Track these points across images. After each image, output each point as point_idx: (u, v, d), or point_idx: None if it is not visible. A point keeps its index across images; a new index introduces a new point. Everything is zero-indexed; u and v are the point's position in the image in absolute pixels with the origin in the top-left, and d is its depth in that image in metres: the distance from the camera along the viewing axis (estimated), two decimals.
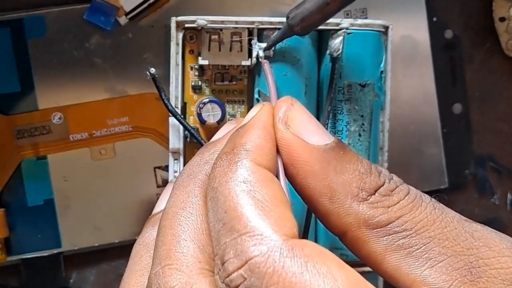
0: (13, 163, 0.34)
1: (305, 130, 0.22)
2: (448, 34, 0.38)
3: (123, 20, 0.34)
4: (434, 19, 0.37)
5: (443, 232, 0.20)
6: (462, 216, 0.22)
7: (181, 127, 0.31)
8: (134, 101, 0.34)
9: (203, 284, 0.19)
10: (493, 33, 0.38)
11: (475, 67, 0.38)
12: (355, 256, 0.22)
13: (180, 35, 0.31)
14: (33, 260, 0.35)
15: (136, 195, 0.35)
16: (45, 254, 0.35)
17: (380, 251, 0.21)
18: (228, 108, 0.32)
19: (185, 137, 0.32)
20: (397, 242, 0.21)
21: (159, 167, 0.35)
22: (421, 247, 0.20)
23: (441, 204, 0.22)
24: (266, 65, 0.28)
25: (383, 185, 0.21)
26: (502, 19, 0.38)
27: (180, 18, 0.31)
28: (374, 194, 0.21)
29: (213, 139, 0.26)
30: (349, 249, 0.22)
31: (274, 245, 0.17)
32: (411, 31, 0.37)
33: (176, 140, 0.32)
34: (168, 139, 0.32)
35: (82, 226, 0.35)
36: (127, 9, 0.33)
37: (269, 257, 0.17)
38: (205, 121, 0.31)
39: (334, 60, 0.30)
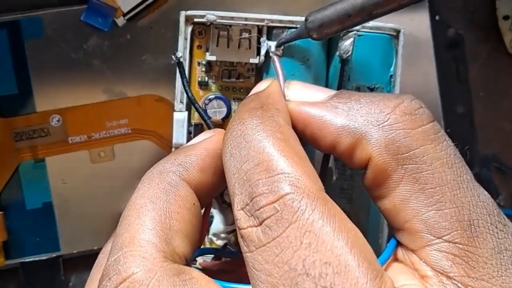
0: (11, 166, 0.34)
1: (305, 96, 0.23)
2: (451, 32, 0.37)
3: (121, 21, 0.33)
4: (437, 17, 0.37)
5: (457, 180, 0.20)
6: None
7: (185, 123, 0.31)
8: (133, 103, 0.34)
9: (167, 271, 0.19)
10: (497, 32, 0.37)
11: (479, 66, 0.38)
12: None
13: (189, 29, 0.30)
14: (32, 263, 0.35)
15: None
16: (44, 258, 0.35)
17: (396, 179, 0.20)
18: (234, 106, 0.32)
19: (188, 132, 0.31)
20: (414, 175, 0.20)
21: None
22: (435, 187, 0.20)
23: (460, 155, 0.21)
24: (276, 60, 0.27)
25: (402, 103, 0.21)
26: (506, 18, 0.37)
27: (189, 13, 0.30)
28: (395, 112, 0.21)
29: (188, 144, 0.25)
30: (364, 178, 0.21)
31: (309, 190, 0.18)
32: (414, 30, 0.36)
33: (180, 136, 0.31)
34: (168, 140, 0.32)
35: (81, 229, 0.35)
36: (125, 10, 0.33)
37: (303, 198, 0.18)
38: (210, 118, 0.31)
39: (344, 62, 0.29)
